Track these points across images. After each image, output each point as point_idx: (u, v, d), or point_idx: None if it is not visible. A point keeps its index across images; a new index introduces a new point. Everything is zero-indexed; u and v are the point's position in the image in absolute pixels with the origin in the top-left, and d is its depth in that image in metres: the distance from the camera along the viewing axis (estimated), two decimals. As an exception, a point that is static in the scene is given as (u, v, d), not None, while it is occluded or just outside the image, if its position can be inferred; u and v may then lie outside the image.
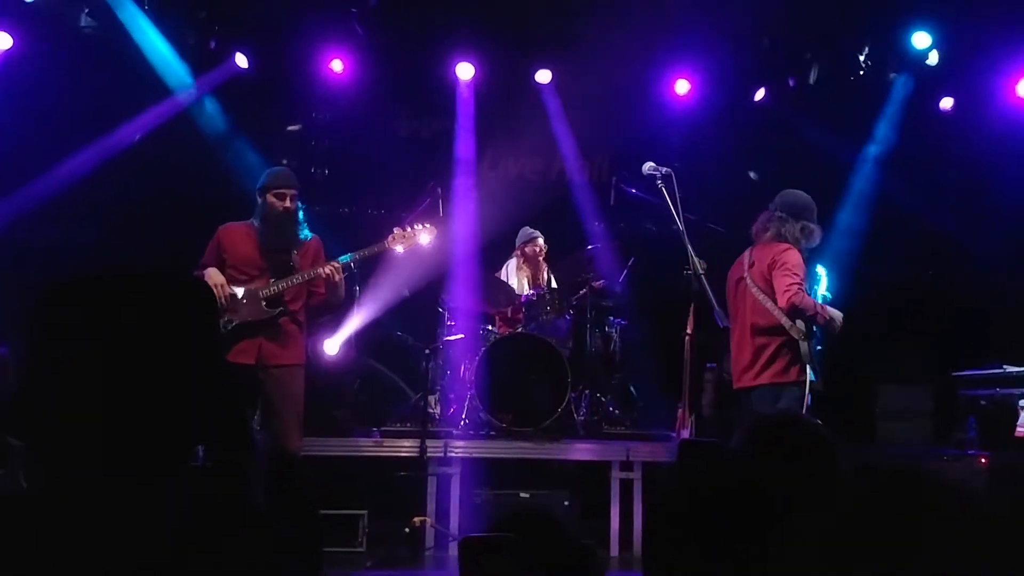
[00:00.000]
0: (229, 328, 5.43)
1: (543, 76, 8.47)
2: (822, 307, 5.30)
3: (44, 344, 1.37)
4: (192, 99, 7.97)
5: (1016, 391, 6.45)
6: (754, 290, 5.36)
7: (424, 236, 6.00)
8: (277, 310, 5.57)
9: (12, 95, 7.34)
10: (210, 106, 8.10)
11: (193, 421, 1.40)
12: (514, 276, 7.95)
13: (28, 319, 1.39)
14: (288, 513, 1.95)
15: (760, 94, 8.45)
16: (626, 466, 6.73)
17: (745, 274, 5.44)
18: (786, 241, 5.39)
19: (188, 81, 7.87)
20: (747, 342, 5.42)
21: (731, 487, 1.80)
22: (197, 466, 1.49)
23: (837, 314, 5.31)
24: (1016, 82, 8.09)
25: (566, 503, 6.53)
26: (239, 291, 5.55)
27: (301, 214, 5.73)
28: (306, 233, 5.79)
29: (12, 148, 7.18)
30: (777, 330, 5.31)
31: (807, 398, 5.21)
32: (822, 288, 5.40)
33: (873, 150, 8.40)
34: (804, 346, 5.22)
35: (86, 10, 7.35)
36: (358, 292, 7.33)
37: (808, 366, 5.22)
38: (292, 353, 5.67)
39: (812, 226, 5.41)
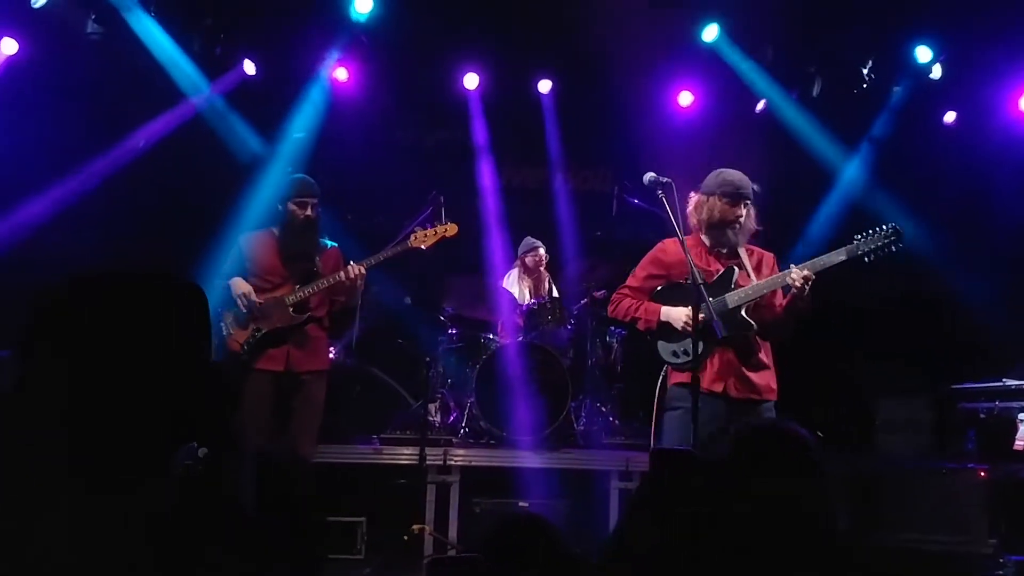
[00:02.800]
0: (259, 336, 5.48)
1: (545, 86, 8.49)
2: (635, 311, 5.00)
3: (29, 347, 1.37)
4: (205, 103, 8.00)
5: (1015, 404, 6.42)
6: None
7: (447, 232, 5.93)
8: (305, 316, 5.59)
9: (20, 100, 7.37)
10: (224, 110, 8.13)
11: (173, 422, 1.41)
12: (515, 285, 7.97)
13: (20, 324, 1.40)
14: (281, 518, 1.95)
15: (761, 105, 8.45)
16: (626, 476, 6.73)
17: None
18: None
19: (201, 85, 7.91)
20: None
21: (703, 493, 1.80)
22: (185, 467, 1.49)
23: (673, 313, 4.86)
24: (1019, 97, 8.10)
25: (564, 512, 6.53)
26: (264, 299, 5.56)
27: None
28: (326, 241, 5.84)
29: (19, 154, 7.21)
30: None
31: (678, 399, 4.85)
32: None
33: (873, 162, 8.41)
34: (661, 345, 4.97)
35: (92, 16, 7.37)
36: (360, 299, 7.36)
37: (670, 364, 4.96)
38: (318, 359, 5.73)
39: (708, 199, 4.97)
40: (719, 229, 4.98)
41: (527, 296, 7.91)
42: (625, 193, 7.71)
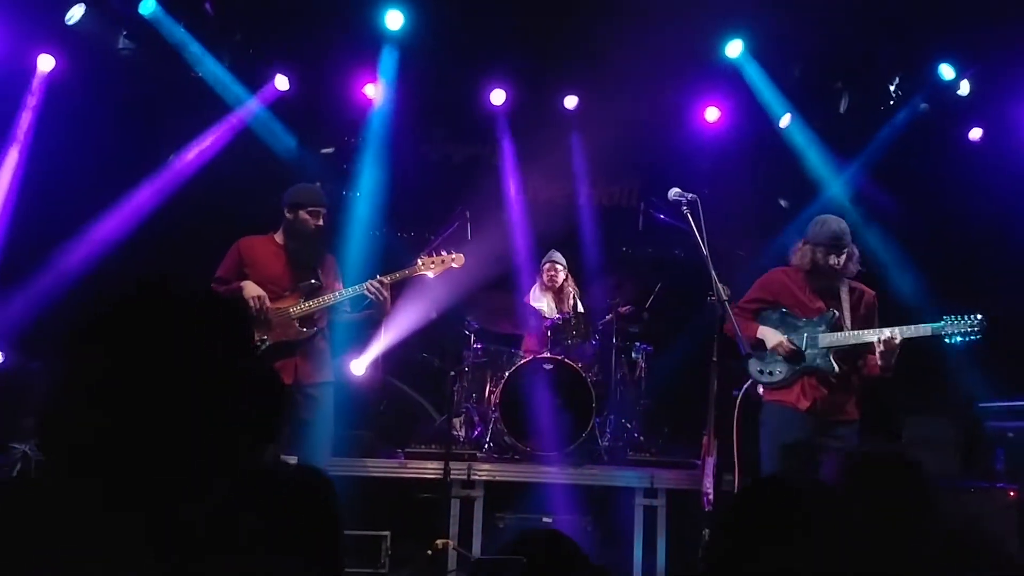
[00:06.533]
0: (263, 348, 5.38)
1: (571, 101, 8.50)
2: (738, 328, 5.24)
3: (72, 359, 1.38)
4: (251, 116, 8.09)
5: (1044, 423, 6.39)
6: None
7: (454, 262, 5.94)
8: (313, 331, 5.56)
9: (60, 116, 7.48)
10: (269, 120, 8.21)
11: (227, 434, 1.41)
12: (538, 300, 7.97)
13: (62, 338, 1.41)
14: (302, 535, 1.95)
15: (786, 120, 8.39)
16: (650, 493, 6.71)
17: None
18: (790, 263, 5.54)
19: (243, 97, 7.99)
20: None
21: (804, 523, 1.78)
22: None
23: (768, 336, 5.35)
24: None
25: (588, 529, 6.51)
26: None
27: None
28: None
29: (57, 172, 7.33)
30: None
31: (769, 413, 5.37)
32: None
33: (898, 177, 8.35)
34: (751, 362, 5.34)
35: (124, 32, 7.46)
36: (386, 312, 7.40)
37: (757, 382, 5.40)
38: (325, 371, 5.68)
39: (807, 247, 5.38)
40: (816, 275, 5.38)
41: (549, 310, 7.90)
42: (651, 209, 7.71)
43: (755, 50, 7.87)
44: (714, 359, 5.18)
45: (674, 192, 4.98)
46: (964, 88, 7.93)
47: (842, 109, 8.21)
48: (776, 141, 8.49)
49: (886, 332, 5.10)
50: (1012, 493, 6.22)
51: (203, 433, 1.36)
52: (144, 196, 7.80)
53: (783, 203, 9.04)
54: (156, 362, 1.36)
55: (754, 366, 5.35)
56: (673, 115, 8.59)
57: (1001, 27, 7.36)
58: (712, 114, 8.56)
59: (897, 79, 8.06)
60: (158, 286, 1.44)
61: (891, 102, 8.12)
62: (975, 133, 8.32)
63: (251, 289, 5.45)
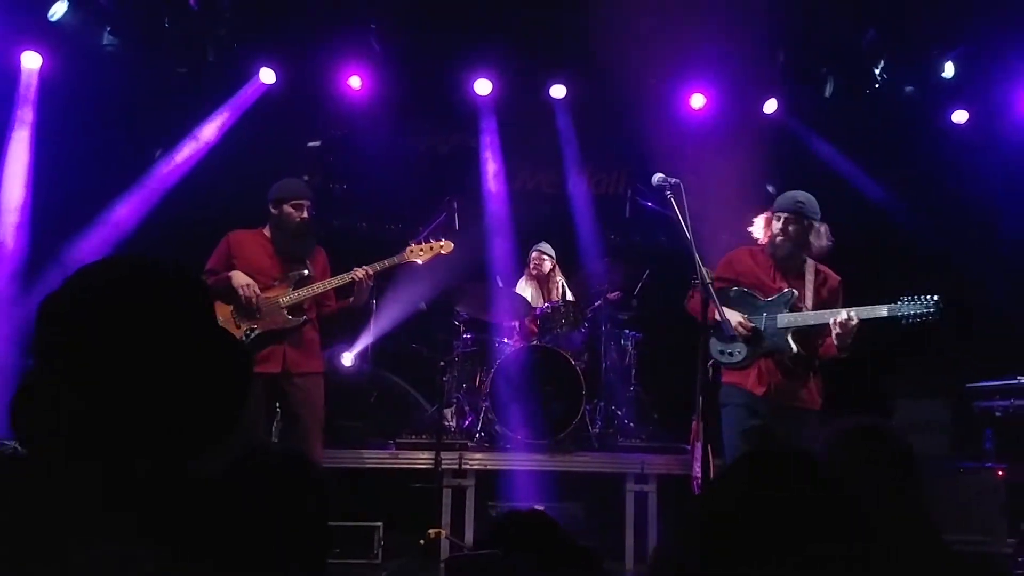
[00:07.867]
0: (251, 337, 5.42)
1: (557, 91, 8.49)
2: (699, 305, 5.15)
3: (37, 344, 1.38)
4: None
5: (1033, 401, 6.41)
6: None
7: (443, 249, 5.98)
8: (301, 319, 5.58)
9: (53, 111, 7.48)
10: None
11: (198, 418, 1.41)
12: (524, 289, 7.98)
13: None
14: (287, 522, 1.95)
15: (771, 106, 8.41)
16: (641, 479, 6.74)
17: None
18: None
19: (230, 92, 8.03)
20: None
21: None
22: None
23: (727, 314, 5.05)
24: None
25: (579, 516, 6.54)
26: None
27: None
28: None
29: (50, 171, 7.34)
30: None
31: (727, 395, 5.26)
32: None
33: (886, 161, 8.38)
34: (712, 342, 5.23)
35: (108, 28, 7.44)
36: (375, 305, 7.41)
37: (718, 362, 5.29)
38: (314, 361, 5.70)
39: (767, 215, 5.30)
40: (778, 251, 5.26)
41: (535, 298, 7.92)
42: (638, 196, 7.73)
43: (739, 35, 7.87)
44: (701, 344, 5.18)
45: (657, 177, 4.97)
46: (949, 70, 7.95)
47: (827, 93, 8.23)
48: (762, 126, 8.50)
49: (842, 313, 4.94)
50: (1001, 472, 6.26)
51: (171, 405, 1.36)
52: (136, 194, 7.81)
53: (770, 189, 9.05)
54: (117, 337, 1.35)
55: (715, 346, 5.24)
56: (659, 102, 8.58)
57: (985, 8, 7.39)
58: (697, 100, 8.56)
59: (882, 62, 8.07)
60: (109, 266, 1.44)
61: (876, 85, 8.13)
62: (960, 116, 8.34)
63: (240, 278, 5.47)
